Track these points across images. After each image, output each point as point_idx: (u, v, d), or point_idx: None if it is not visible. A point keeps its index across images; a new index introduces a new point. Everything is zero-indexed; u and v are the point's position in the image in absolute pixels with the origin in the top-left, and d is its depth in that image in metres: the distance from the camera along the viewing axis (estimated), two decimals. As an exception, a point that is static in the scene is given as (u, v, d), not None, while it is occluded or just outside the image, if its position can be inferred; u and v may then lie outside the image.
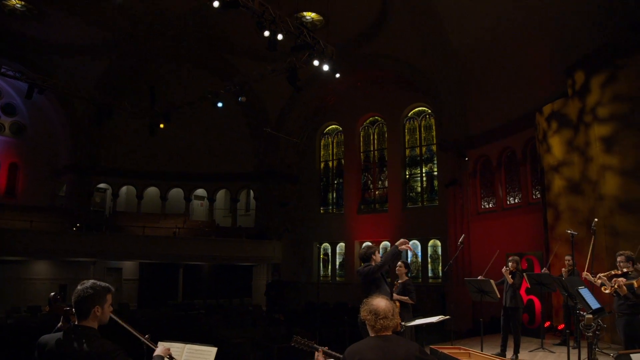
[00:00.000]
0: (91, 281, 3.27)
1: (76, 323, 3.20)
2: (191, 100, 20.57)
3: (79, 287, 3.21)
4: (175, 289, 23.21)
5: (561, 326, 11.23)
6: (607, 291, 5.11)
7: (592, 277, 7.11)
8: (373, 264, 6.77)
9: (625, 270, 7.04)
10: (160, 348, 3.61)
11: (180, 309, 19.99)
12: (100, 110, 20.32)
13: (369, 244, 22.06)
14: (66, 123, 24.24)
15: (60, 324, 3.51)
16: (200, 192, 27.42)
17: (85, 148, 24.31)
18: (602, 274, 7.05)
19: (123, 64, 22.89)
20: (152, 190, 26.58)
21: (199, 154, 25.80)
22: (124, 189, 26.48)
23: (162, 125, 20.08)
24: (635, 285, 4.67)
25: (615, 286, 4.73)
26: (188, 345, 4.06)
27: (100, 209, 25.93)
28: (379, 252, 7.04)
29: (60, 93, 20.96)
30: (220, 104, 18.63)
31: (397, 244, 6.61)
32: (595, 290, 7.79)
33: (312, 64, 14.82)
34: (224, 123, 25.01)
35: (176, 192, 26.89)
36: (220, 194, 27.84)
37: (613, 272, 7.10)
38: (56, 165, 25.22)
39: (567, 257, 10.62)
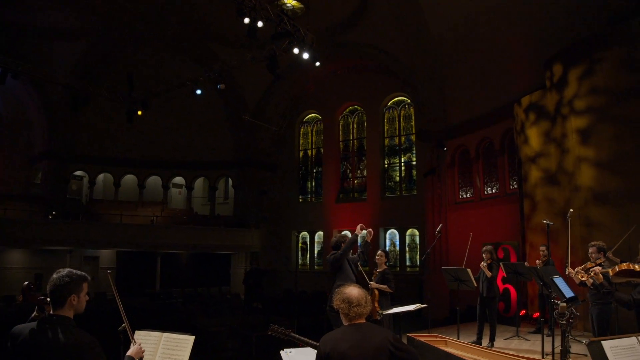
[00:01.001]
0: (67, 269, 3.22)
1: (51, 312, 3.14)
2: (170, 87, 20.34)
3: (54, 275, 3.16)
4: (153, 277, 23.03)
5: (536, 314, 11.42)
6: (584, 278, 5.20)
7: (576, 273, 7.21)
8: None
9: (598, 261, 7.17)
10: (134, 348, 3.56)
11: (158, 297, 19.88)
12: (76, 96, 19.99)
13: (346, 232, 22.27)
14: (42, 109, 23.70)
15: (34, 313, 3.46)
16: (179, 180, 27.22)
17: (61, 135, 23.87)
18: (579, 268, 7.18)
19: (100, 49, 22.46)
20: (129, 178, 26.29)
21: (177, 142, 25.56)
22: (101, 176, 26.15)
23: (140, 112, 19.84)
24: (611, 273, 4.77)
25: (592, 274, 4.83)
26: (165, 334, 4.04)
27: (77, 197, 25.58)
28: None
29: (35, 78, 20.54)
30: (199, 92, 18.48)
31: (356, 230, 6.74)
32: (569, 279, 7.92)
33: (292, 52, 14.75)
34: (203, 111, 24.81)
35: (154, 180, 26.64)
36: (199, 182, 27.66)
37: (588, 265, 7.23)
38: (31, 153, 24.78)
39: (542, 247, 10.79)
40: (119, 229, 21.89)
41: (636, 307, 4.43)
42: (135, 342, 3.64)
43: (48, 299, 3.17)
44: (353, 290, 3.64)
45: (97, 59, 22.76)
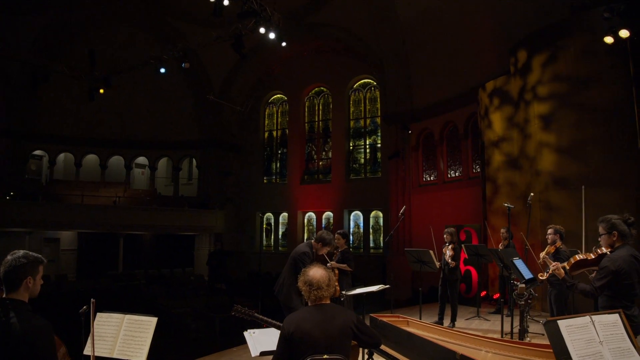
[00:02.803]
0: (23, 251, 3.12)
1: (4, 296, 3.03)
2: (133, 65, 19.87)
3: (8, 257, 3.05)
4: (116, 259, 22.72)
5: (496, 295, 11.68)
6: (543, 277, 5.33)
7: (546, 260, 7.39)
8: (315, 249, 6.92)
9: (557, 245, 7.36)
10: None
11: (121, 279, 19.61)
12: (36, 73, 19.36)
13: (312, 215, 22.29)
14: (-2, 86, 22.92)
15: None
16: (142, 160, 26.76)
17: (19, 113, 22.96)
18: (542, 253, 7.37)
19: (61, 25, 21.71)
20: (91, 158, 25.71)
21: (141, 121, 25.06)
22: (61, 156, 25.50)
23: (102, 91, 19.30)
24: (567, 267, 4.87)
25: (552, 270, 4.92)
26: (127, 316, 4.00)
27: (36, 177, 24.88)
28: (327, 249, 7.07)
29: (-8, 53, 19.82)
30: (163, 70, 18.07)
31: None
32: (529, 261, 8.11)
33: (258, 32, 14.54)
34: (167, 90, 24.38)
35: (116, 160, 26.11)
36: (162, 163, 27.26)
37: (550, 250, 7.42)
38: (-13, 131, 23.98)
39: (502, 230, 11.03)
40: (80, 210, 21.40)
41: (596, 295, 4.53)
42: None
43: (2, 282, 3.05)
44: (316, 273, 3.68)
45: (57, 34, 22.04)
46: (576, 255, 4.85)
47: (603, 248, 4.68)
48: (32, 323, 2.90)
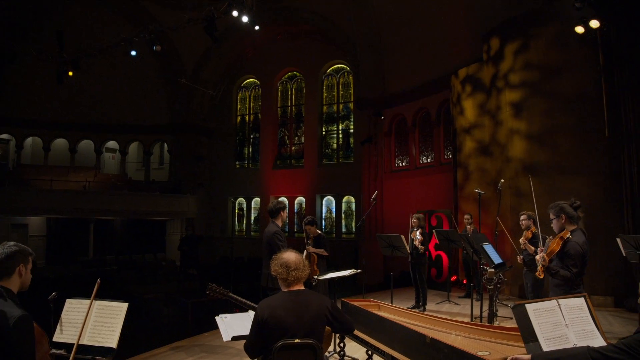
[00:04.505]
0: (12, 242, 3.08)
1: None
2: (103, 47, 19.44)
3: None
4: (86, 244, 22.37)
5: (466, 280, 11.86)
6: (541, 276, 5.47)
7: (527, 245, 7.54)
8: (280, 222, 6.93)
9: (532, 230, 7.50)
10: None
11: (91, 265, 19.37)
12: (1, 54, 18.82)
13: (283, 199, 22.32)
14: (-38, 67, 22.18)
15: None
16: (112, 144, 26.26)
17: (-16, 95, 22.46)
18: (522, 239, 7.52)
19: (28, 4, 21.15)
20: (60, 142, 25.13)
21: (111, 105, 24.53)
22: (29, 140, 24.86)
23: (70, 73, 18.81)
24: (548, 258, 5.03)
25: (540, 263, 5.09)
26: (98, 302, 3.96)
27: (3, 162, 24.21)
28: (286, 211, 7.10)
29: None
30: (133, 53, 17.70)
31: None
32: (498, 246, 8.26)
33: (231, 15, 14.36)
34: (138, 72, 23.90)
35: (86, 144, 25.57)
36: (133, 147, 26.81)
37: (528, 235, 7.56)
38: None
39: (467, 216, 11.20)
40: (49, 195, 20.92)
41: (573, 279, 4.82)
42: None
43: None
44: (291, 255, 3.66)
45: (24, 14, 21.45)
46: (553, 246, 5.01)
47: (566, 232, 4.95)
48: (13, 313, 2.83)
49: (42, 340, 3.15)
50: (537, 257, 5.09)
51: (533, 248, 6.08)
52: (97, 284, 3.89)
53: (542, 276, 5.15)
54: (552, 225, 5.10)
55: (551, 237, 5.21)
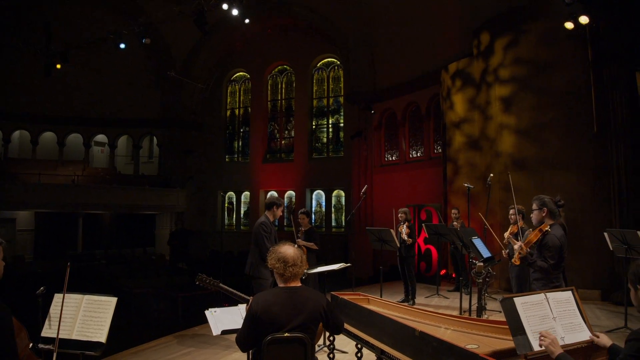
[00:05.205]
0: None
1: None
2: (91, 40, 19.28)
3: None
4: (75, 239, 22.22)
5: (455, 274, 11.92)
6: (517, 263, 5.54)
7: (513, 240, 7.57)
8: (271, 216, 6.96)
9: (520, 225, 7.54)
10: None
11: (80, 259, 19.25)
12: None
13: (274, 194, 22.30)
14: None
15: None
16: (101, 138, 26.09)
17: (-30, 88, 22.19)
18: (506, 233, 7.56)
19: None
20: (48, 136, 24.93)
21: (100, 98, 24.33)
22: (16, 133, 24.65)
23: (58, 66, 18.67)
24: (526, 248, 5.12)
25: (517, 252, 5.20)
26: (87, 296, 3.94)
27: (-10, 156, 24.13)
28: (281, 208, 7.11)
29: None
30: (122, 46, 17.59)
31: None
32: (487, 240, 8.30)
33: (222, 8, 14.29)
34: (127, 66, 23.73)
35: (75, 138, 25.37)
36: (122, 140, 26.68)
37: (514, 229, 7.61)
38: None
39: (454, 210, 11.25)
40: (37, 189, 20.78)
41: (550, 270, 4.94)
42: None
43: None
44: (289, 250, 3.58)
45: (11, 7, 21.20)
46: (531, 237, 5.11)
47: (545, 225, 5.09)
48: None
49: (21, 334, 3.11)
50: (515, 246, 5.22)
51: (517, 242, 6.18)
52: (68, 266, 3.84)
53: (517, 262, 5.27)
54: (532, 215, 5.26)
55: (530, 229, 5.31)
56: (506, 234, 7.54)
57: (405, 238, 9.80)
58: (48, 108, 23.77)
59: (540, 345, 2.86)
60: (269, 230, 6.83)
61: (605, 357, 2.99)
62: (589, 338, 3.03)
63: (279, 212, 7.06)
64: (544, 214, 5.11)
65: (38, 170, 21.94)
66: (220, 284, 4.48)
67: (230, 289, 4.46)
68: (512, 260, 5.15)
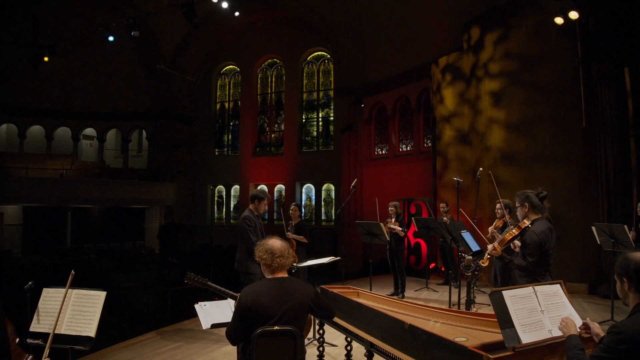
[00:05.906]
0: None
1: None
2: (79, 33, 19.10)
3: None
4: (64, 233, 22.04)
5: (444, 268, 11.99)
6: (485, 264, 5.56)
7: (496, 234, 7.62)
8: (255, 210, 6.99)
9: (505, 219, 7.58)
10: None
11: (69, 254, 19.07)
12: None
13: (263, 186, 22.26)
14: None
15: None
16: (89, 131, 25.83)
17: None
18: (491, 228, 7.60)
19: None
20: (36, 129, 24.62)
21: (88, 91, 24.07)
22: (3, 126, 24.34)
23: (46, 59, 18.45)
24: (500, 247, 5.13)
25: (488, 251, 5.20)
26: (75, 291, 3.93)
27: (-24, 149, 23.86)
28: (265, 200, 7.10)
29: None
30: (111, 38, 17.42)
31: None
32: (476, 233, 8.34)
33: (211, 0, 14.22)
34: (116, 59, 23.49)
35: (63, 131, 25.10)
36: (111, 134, 26.45)
37: (499, 224, 7.65)
38: None
39: (442, 204, 11.32)
40: (25, 183, 20.53)
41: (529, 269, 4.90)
42: None
43: None
44: (276, 242, 3.65)
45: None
46: (506, 235, 5.11)
47: (525, 221, 5.05)
48: None
49: (8, 330, 3.11)
50: (489, 246, 5.20)
51: (489, 245, 6.23)
52: (72, 275, 3.84)
53: (486, 264, 5.26)
54: (517, 212, 5.20)
55: (512, 226, 5.32)
56: (490, 229, 7.58)
57: (399, 229, 9.84)
58: (36, 101, 23.47)
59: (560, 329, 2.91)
60: (252, 223, 6.84)
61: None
62: (581, 324, 3.03)
63: (262, 205, 7.06)
64: (526, 210, 5.05)
65: (26, 164, 21.72)
66: (208, 282, 4.51)
67: (218, 287, 4.49)
68: (481, 262, 5.12)
